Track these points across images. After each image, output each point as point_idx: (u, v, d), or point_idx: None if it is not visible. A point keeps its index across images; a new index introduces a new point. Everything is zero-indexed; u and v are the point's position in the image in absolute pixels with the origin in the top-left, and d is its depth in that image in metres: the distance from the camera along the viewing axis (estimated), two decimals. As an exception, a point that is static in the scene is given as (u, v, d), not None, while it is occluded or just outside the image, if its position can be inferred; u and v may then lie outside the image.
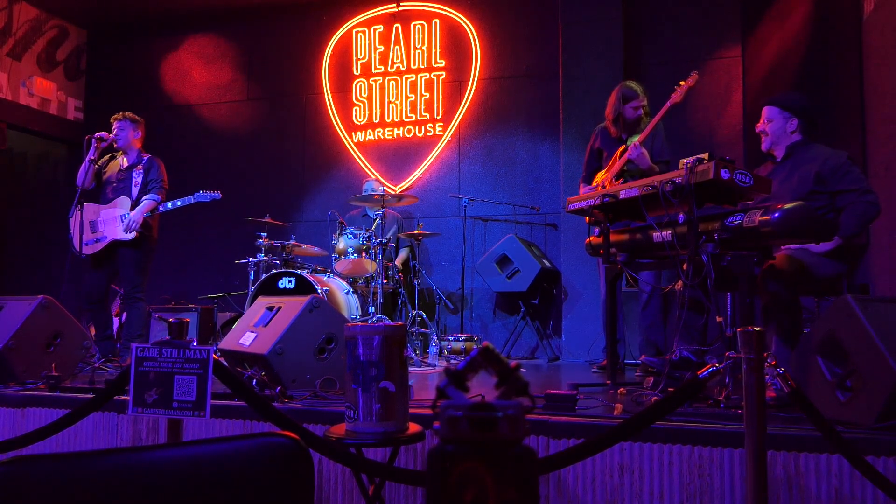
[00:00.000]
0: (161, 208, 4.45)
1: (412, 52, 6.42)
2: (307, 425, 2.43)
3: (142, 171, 4.47)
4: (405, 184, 6.34)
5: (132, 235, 4.29)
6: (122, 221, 4.31)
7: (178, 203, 4.47)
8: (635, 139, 3.93)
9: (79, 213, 4.21)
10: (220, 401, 2.66)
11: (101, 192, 4.49)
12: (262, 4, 6.83)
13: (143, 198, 4.40)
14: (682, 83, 3.78)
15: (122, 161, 4.54)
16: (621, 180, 3.94)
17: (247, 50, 7.00)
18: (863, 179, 3.00)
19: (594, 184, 4.14)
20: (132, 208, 4.36)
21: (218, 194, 4.55)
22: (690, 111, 5.59)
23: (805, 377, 2.40)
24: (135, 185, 4.44)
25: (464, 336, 5.02)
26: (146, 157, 4.54)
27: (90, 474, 0.92)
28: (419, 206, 6.08)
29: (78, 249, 4.29)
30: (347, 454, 1.91)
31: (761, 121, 3.25)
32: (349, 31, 6.65)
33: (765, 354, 1.69)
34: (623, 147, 3.99)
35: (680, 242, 2.85)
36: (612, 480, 2.24)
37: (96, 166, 4.47)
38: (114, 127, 4.50)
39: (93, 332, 4.69)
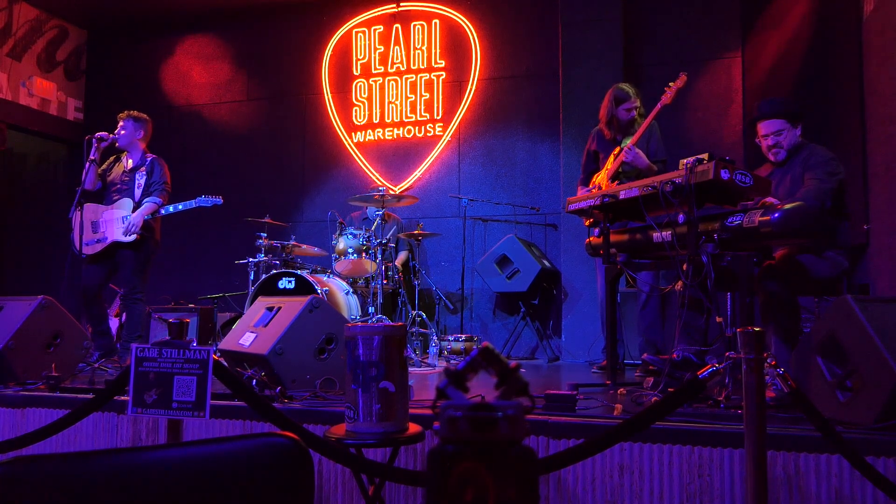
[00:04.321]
0: (163, 211, 4.42)
1: (412, 52, 6.42)
2: (307, 425, 2.43)
3: (145, 172, 4.44)
4: (405, 184, 6.34)
5: (133, 238, 4.28)
6: (123, 223, 4.30)
7: (180, 207, 4.45)
8: (628, 141, 3.95)
9: (79, 213, 4.20)
10: (220, 401, 2.66)
11: (106, 193, 4.47)
12: (262, 4, 6.83)
13: (145, 200, 4.36)
14: (671, 84, 3.83)
15: (127, 162, 4.52)
16: (617, 182, 3.96)
17: (247, 50, 7.00)
18: (832, 175, 2.98)
19: (591, 186, 4.17)
20: (134, 210, 4.35)
21: (219, 200, 4.52)
22: (690, 111, 5.59)
23: (805, 377, 2.40)
24: (138, 187, 4.41)
25: (464, 336, 5.02)
26: (150, 158, 4.50)
27: (90, 474, 0.92)
28: (419, 207, 6.08)
29: (78, 249, 4.28)
30: (347, 454, 1.91)
31: (767, 136, 3.20)
32: (349, 32, 6.65)
33: (765, 354, 1.69)
34: (618, 149, 4.01)
35: (680, 243, 2.85)
36: (612, 480, 2.24)
37: (100, 169, 4.45)
38: (119, 125, 4.48)
39: (90, 329, 4.69)
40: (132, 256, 4.34)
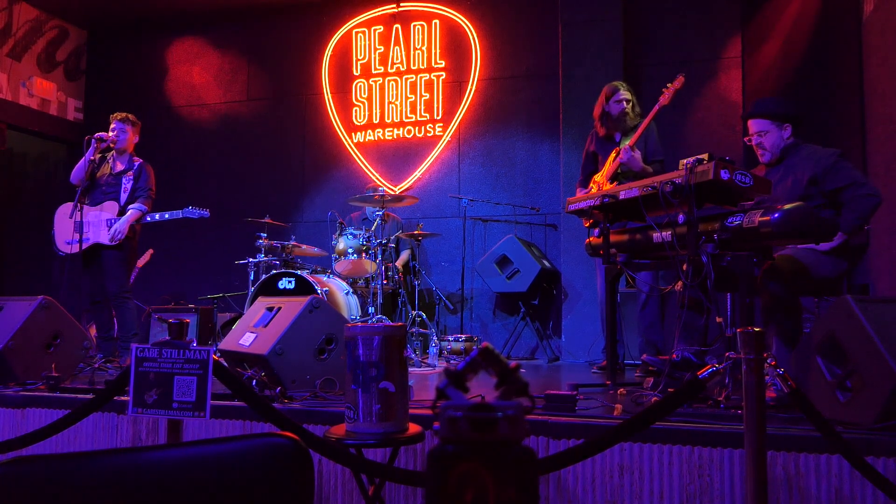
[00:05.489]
0: (148, 218, 4.43)
1: (412, 52, 6.43)
2: (307, 426, 2.43)
3: (132, 177, 4.45)
4: (405, 184, 6.34)
5: (112, 240, 4.30)
6: (108, 227, 4.32)
7: (166, 216, 4.45)
8: (626, 142, 3.99)
9: (78, 213, 4.21)
10: (220, 401, 2.66)
11: (91, 192, 4.47)
12: (261, 4, 6.83)
13: (130, 207, 4.38)
14: (669, 85, 3.86)
15: (115, 165, 4.52)
16: (615, 183, 3.98)
17: (247, 50, 7.00)
18: (856, 173, 2.98)
19: (589, 187, 4.20)
20: (119, 214, 4.36)
21: (206, 212, 4.51)
22: (690, 111, 5.59)
23: (805, 377, 2.40)
24: (124, 192, 4.43)
25: (463, 336, 5.02)
26: (137, 162, 4.51)
27: (90, 474, 0.93)
28: (419, 207, 6.08)
29: (57, 245, 4.32)
30: (347, 455, 1.91)
31: (751, 134, 3.21)
32: (349, 32, 6.66)
33: (764, 355, 1.69)
34: (616, 150, 4.04)
35: (680, 243, 2.85)
36: (612, 481, 2.24)
37: (93, 167, 4.46)
38: (113, 125, 4.47)
39: (93, 332, 4.69)
40: (117, 256, 4.36)
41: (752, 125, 3.21)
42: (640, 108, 4.20)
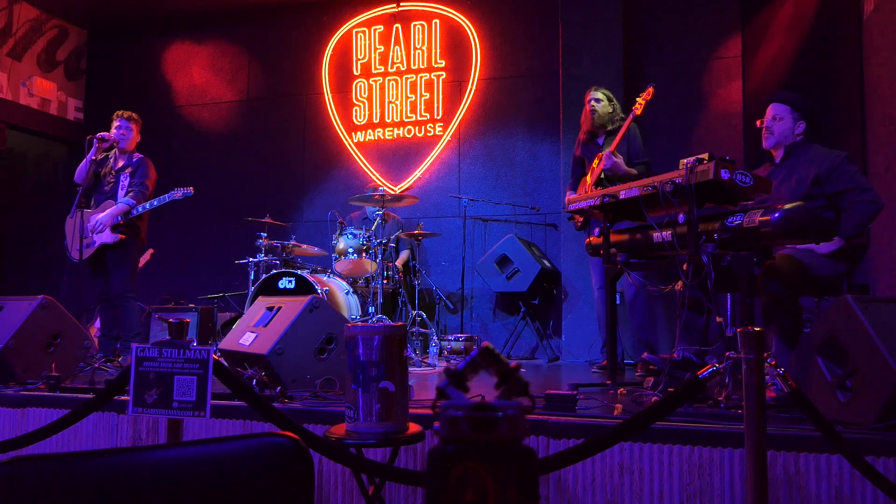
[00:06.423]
0: (139, 209, 4.40)
1: (412, 52, 6.42)
2: (307, 425, 2.43)
3: (128, 174, 4.45)
4: (405, 184, 6.34)
5: (113, 238, 4.28)
6: (109, 227, 4.32)
7: (155, 203, 4.42)
8: (608, 148, 4.15)
9: (79, 214, 4.21)
10: (220, 401, 2.66)
11: (94, 194, 4.47)
12: (262, 4, 6.83)
13: (119, 200, 4.38)
14: (641, 96, 4.14)
15: (117, 162, 4.51)
16: (598, 188, 4.04)
17: (246, 50, 7.00)
18: (860, 178, 2.98)
19: (578, 191, 4.32)
20: None
21: (190, 191, 4.44)
22: (690, 111, 5.59)
23: (805, 377, 2.40)
24: (121, 189, 4.42)
25: (464, 336, 5.02)
26: (136, 157, 4.50)
27: (90, 474, 0.92)
28: (419, 206, 6.08)
29: (70, 253, 4.32)
30: (347, 454, 1.91)
31: (767, 116, 3.22)
32: (349, 32, 6.65)
33: (765, 355, 1.69)
34: (600, 155, 4.18)
35: (680, 243, 2.85)
36: (612, 481, 2.24)
37: (95, 166, 4.46)
38: (117, 123, 4.47)
39: (93, 332, 4.69)
40: (120, 256, 4.36)
41: (771, 109, 3.20)
42: (621, 113, 4.38)
